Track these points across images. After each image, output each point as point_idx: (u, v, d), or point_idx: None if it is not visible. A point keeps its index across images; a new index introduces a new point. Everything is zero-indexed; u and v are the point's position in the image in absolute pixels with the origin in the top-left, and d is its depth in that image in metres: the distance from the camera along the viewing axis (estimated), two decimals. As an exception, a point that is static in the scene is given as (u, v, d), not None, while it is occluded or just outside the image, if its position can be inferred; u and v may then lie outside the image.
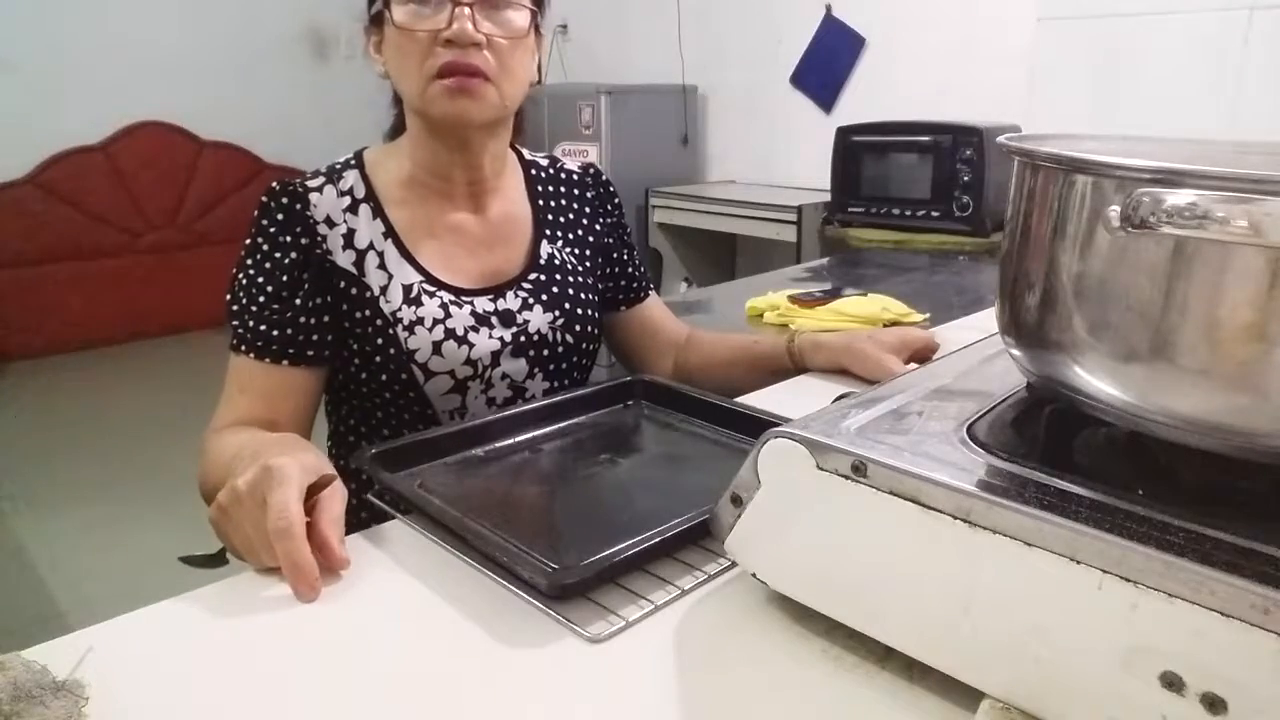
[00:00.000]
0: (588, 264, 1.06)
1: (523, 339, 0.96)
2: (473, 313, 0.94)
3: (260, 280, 0.89)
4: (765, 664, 0.53)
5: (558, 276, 1.00)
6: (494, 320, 0.95)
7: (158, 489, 2.71)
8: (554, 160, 1.09)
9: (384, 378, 0.91)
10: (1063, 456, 0.54)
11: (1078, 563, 0.41)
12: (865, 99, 3.05)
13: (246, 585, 0.62)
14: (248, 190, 4.41)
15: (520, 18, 0.90)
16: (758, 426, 0.70)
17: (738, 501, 0.56)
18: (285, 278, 0.89)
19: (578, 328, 1.00)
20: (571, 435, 0.85)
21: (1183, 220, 0.39)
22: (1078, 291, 0.48)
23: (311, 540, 0.61)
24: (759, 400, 0.95)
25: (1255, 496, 0.47)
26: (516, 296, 0.97)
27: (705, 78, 3.53)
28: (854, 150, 2.72)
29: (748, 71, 3.40)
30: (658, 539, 0.60)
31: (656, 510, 0.67)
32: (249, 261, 0.90)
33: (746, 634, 0.55)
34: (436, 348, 0.91)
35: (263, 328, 0.88)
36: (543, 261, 1.00)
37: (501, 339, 0.95)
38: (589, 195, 1.09)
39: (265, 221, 0.90)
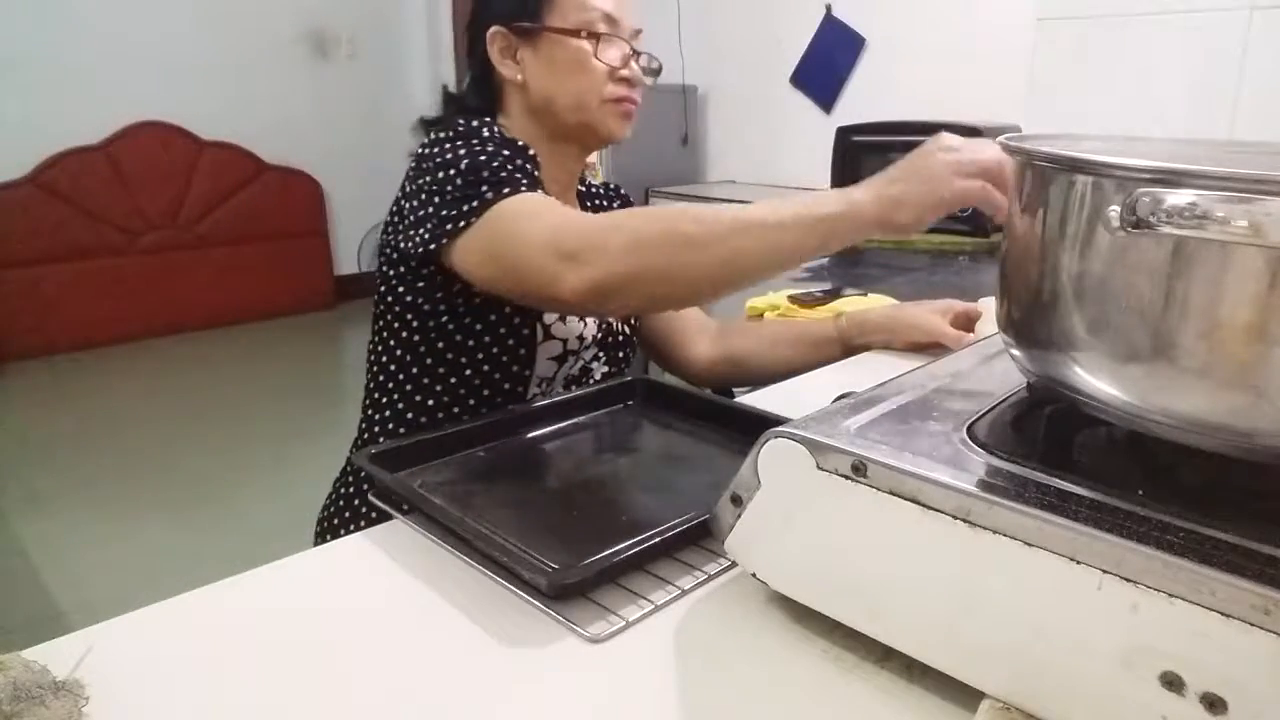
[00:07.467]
0: None
1: (604, 326, 1.06)
2: None
3: (491, 149, 0.89)
4: (765, 664, 0.53)
5: None
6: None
7: (158, 489, 2.71)
8: (581, 178, 1.17)
9: (503, 330, 0.96)
10: (1063, 456, 0.53)
11: (1078, 563, 0.41)
12: (865, 99, 3.05)
13: (246, 585, 0.62)
14: (248, 191, 4.41)
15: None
16: (758, 426, 0.69)
17: (738, 501, 0.56)
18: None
19: (633, 319, 1.14)
20: (571, 435, 0.85)
21: (1183, 220, 0.39)
22: (1078, 291, 0.47)
23: None
24: (759, 400, 0.95)
25: (1255, 496, 0.47)
26: None
27: (705, 78, 3.53)
28: (854, 150, 2.71)
29: (748, 71, 3.40)
30: (658, 539, 0.60)
31: (656, 510, 0.67)
32: (462, 150, 0.88)
33: (746, 634, 0.55)
34: (561, 315, 1.00)
35: (525, 173, 0.87)
36: None
37: (596, 324, 1.05)
38: (614, 206, 1.20)
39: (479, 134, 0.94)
